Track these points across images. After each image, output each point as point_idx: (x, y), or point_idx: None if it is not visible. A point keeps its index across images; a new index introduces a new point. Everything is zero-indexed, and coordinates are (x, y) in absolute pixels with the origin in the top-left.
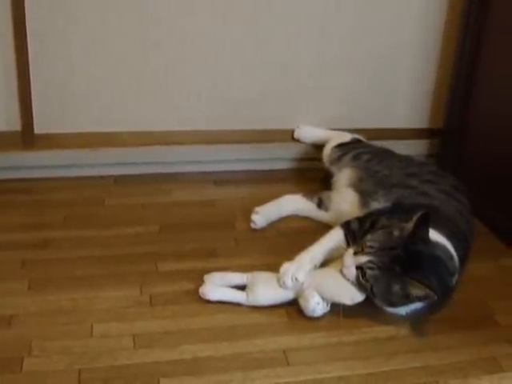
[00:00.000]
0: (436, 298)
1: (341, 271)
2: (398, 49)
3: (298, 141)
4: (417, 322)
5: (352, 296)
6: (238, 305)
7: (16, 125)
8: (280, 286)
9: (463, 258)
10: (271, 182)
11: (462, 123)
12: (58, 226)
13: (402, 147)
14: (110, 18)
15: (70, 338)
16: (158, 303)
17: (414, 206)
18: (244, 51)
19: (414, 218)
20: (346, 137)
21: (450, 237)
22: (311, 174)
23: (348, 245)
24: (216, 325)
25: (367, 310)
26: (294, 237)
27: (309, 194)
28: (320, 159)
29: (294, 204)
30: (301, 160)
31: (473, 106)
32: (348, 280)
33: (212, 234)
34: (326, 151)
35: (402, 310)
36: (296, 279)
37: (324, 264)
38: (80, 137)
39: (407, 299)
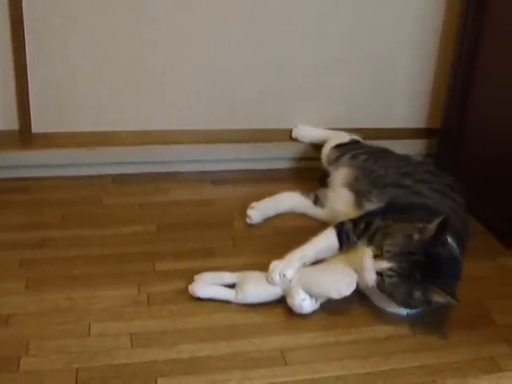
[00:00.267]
0: (456, 304)
1: (360, 273)
2: (396, 49)
3: (296, 140)
4: (436, 322)
5: (339, 290)
6: (227, 302)
7: (13, 124)
8: (268, 282)
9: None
10: (269, 182)
11: (459, 123)
12: (55, 225)
13: (400, 147)
14: (107, 17)
15: (67, 337)
16: (156, 302)
17: (407, 206)
18: (242, 51)
19: (435, 222)
20: (345, 137)
21: (451, 237)
22: (309, 174)
23: (341, 245)
24: (213, 324)
25: (365, 309)
26: (291, 236)
27: (306, 191)
28: (318, 159)
29: (290, 200)
30: (299, 159)
31: (471, 106)
32: (367, 285)
33: (210, 234)
34: (325, 151)
35: (404, 311)
36: (284, 276)
37: (315, 264)
38: (78, 136)
39: (429, 304)
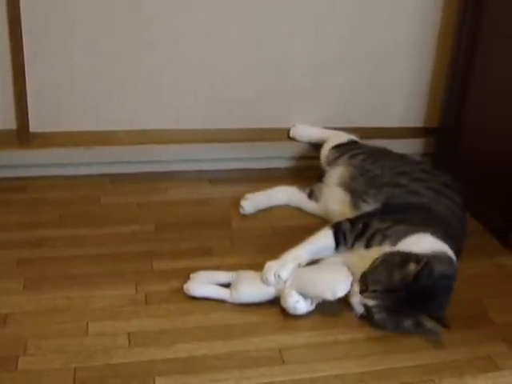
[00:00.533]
0: (443, 330)
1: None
2: (394, 48)
3: (293, 140)
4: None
5: (333, 291)
6: (222, 302)
7: (11, 123)
8: (263, 282)
9: (456, 257)
10: (267, 181)
11: (457, 122)
12: (53, 224)
13: (397, 146)
14: (105, 17)
15: (65, 336)
16: (154, 302)
17: (403, 206)
18: (240, 51)
19: (417, 268)
20: (343, 137)
21: (442, 236)
22: (307, 173)
23: (337, 245)
24: (211, 323)
25: None
26: (289, 236)
27: (301, 186)
28: (316, 158)
29: (285, 194)
30: (297, 159)
31: (468, 105)
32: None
33: (207, 233)
34: (324, 152)
35: None
36: (279, 276)
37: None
38: (76, 135)
39: (421, 328)
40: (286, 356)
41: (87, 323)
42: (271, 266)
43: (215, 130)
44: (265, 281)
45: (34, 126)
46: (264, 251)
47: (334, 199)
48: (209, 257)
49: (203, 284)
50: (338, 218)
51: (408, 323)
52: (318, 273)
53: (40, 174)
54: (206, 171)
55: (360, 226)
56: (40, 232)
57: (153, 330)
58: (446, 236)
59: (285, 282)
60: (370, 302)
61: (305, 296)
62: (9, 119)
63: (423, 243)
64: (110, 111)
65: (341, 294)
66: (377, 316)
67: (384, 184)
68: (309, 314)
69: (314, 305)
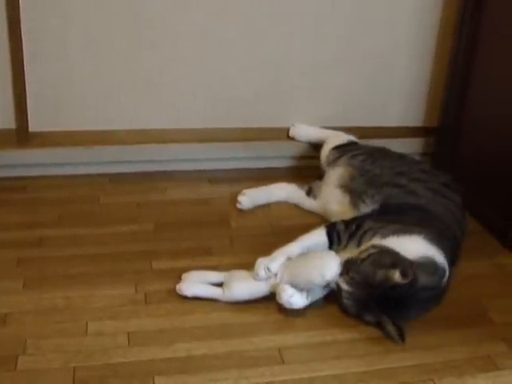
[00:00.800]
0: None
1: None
2: (393, 48)
3: (292, 139)
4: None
5: (322, 274)
6: (215, 301)
7: (11, 123)
8: (254, 278)
9: (452, 257)
10: (266, 181)
11: (456, 122)
12: (53, 224)
13: (397, 145)
14: (104, 17)
15: (64, 336)
16: (153, 301)
17: (399, 206)
18: (239, 50)
19: (402, 281)
20: (343, 137)
21: (435, 239)
22: (306, 172)
23: (331, 244)
24: (210, 323)
25: None
26: (289, 235)
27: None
28: (315, 157)
29: (283, 190)
30: (296, 158)
31: (467, 104)
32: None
33: (207, 232)
34: (324, 153)
35: None
36: (268, 269)
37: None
38: (75, 135)
39: (380, 327)
40: (286, 356)
41: (87, 323)
42: (261, 262)
43: (214, 129)
44: (256, 276)
45: (34, 126)
46: (263, 250)
47: (334, 199)
48: (208, 256)
49: (195, 283)
50: (337, 217)
51: (370, 318)
52: (305, 260)
53: (39, 173)
54: (205, 171)
55: (354, 226)
56: (39, 232)
57: (152, 330)
58: (441, 237)
59: (275, 274)
60: (344, 286)
61: (298, 288)
62: (8, 119)
63: (413, 247)
64: (110, 111)
65: (330, 276)
66: (345, 301)
67: (383, 184)
68: (308, 314)
69: (310, 299)
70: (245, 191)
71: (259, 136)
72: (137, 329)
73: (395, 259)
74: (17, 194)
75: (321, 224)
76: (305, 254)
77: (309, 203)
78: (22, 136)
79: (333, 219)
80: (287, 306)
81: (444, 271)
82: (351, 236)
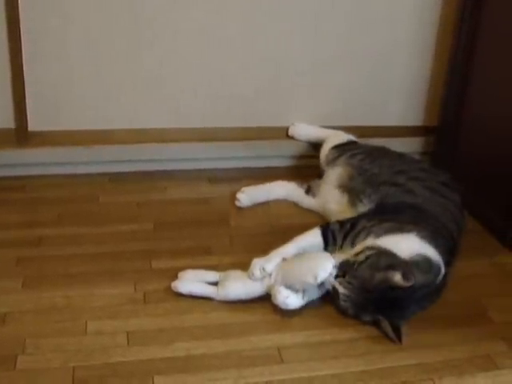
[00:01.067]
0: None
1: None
2: (393, 46)
3: (292, 138)
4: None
5: (314, 274)
6: (209, 299)
7: (10, 122)
8: (250, 278)
9: (448, 256)
10: (266, 180)
11: (456, 121)
12: (52, 223)
13: (396, 145)
14: (104, 17)
15: (64, 335)
16: (152, 301)
17: (395, 205)
18: (239, 49)
19: (403, 283)
20: (342, 137)
21: (429, 237)
22: (306, 172)
23: (326, 244)
24: (209, 323)
25: None
26: (288, 235)
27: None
28: (315, 157)
29: (282, 188)
30: (296, 157)
31: (467, 103)
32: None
33: (206, 232)
34: (324, 152)
35: None
36: (263, 269)
37: None
38: (74, 134)
39: (377, 327)
40: (285, 355)
41: (86, 322)
42: (257, 262)
43: (214, 128)
44: (251, 276)
45: (33, 125)
46: (263, 250)
47: (332, 199)
48: (208, 255)
49: (190, 281)
50: (335, 216)
51: (367, 318)
52: (298, 260)
53: (39, 172)
54: (205, 170)
55: (348, 226)
56: (39, 231)
57: (151, 329)
58: (436, 235)
59: (270, 274)
60: (341, 290)
61: (292, 289)
62: (7, 118)
63: (407, 245)
64: (109, 110)
65: (322, 276)
66: (342, 303)
67: (381, 183)
68: (307, 313)
69: (306, 299)
70: (244, 189)
71: (259, 135)
72: (136, 328)
73: (394, 261)
74: (16, 194)
75: (320, 223)
76: (299, 255)
77: (308, 201)
78: (21, 135)
79: (332, 218)
80: (283, 306)
81: (439, 269)
82: (346, 236)
